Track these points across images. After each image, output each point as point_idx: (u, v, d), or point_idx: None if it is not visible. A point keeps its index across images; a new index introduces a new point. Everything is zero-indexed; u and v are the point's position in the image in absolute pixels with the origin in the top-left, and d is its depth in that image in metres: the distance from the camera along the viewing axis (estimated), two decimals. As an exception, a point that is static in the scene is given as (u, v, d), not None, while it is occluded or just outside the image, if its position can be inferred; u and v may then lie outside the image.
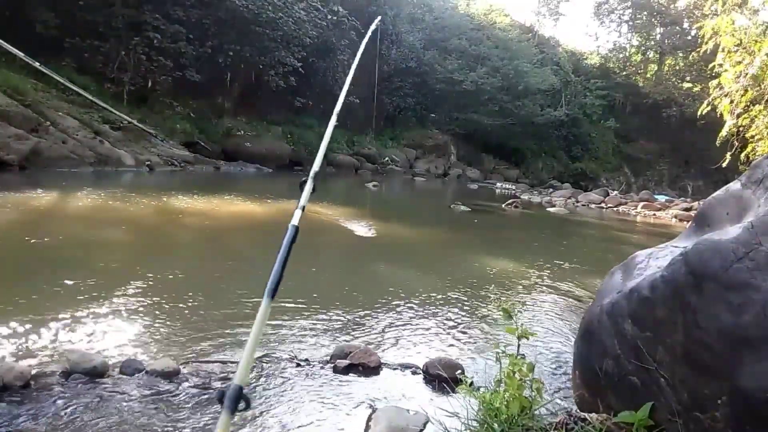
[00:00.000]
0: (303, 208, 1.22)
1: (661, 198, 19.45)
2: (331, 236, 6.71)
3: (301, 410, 2.09)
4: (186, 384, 2.20)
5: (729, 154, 9.00)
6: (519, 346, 1.93)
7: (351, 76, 1.92)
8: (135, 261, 4.28)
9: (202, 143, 15.53)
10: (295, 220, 1.17)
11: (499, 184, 22.77)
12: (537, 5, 39.90)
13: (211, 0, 15.59)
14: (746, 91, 8.12)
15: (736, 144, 9.00)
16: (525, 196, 17.56)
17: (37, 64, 11.69)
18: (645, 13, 37.88)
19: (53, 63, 12.63)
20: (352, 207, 9.38)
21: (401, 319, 3.41)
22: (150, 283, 3.52)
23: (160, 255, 4.62)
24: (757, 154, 8.43)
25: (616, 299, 1.78)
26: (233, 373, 2.34)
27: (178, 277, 3.81)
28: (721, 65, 8.59)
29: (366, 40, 2.12)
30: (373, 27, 2.24)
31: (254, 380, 2.31)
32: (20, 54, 11.46)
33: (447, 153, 27.17)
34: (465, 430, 1.78)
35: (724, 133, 8.61)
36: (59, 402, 1.96)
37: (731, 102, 8.36)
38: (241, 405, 0.84)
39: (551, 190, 21.65)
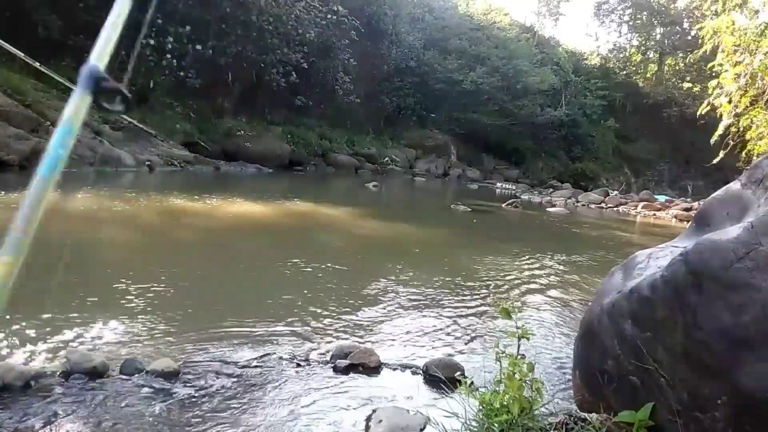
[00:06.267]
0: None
1: (661, 198, 19.44)
2: (330, 236, 6.71)
3: (302, 410, 2.09)
4: (186, 384, 2.20)
5: (723, 152, 9.00)
6: (519, 346, 1.93)
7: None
8: (135, 261, 4.28)
9: (202, 143, 15.52)
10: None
11: (499, 184, 22.76)
12: (537, 5, 39.94)
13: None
14: (746, 91, 8.12)
15: (732, 143, 9.01)
16: (525, 196, 17.56)
17: (37, 64, 11.67)
18: (645, 13, 37.85)
19: (53, 63, 12.62)
20: (352, 207, 9.38)
21: (401, 319, 3.41)
22: (150, 282, 3.52)
23: (160, 255, 4.62)
24: (756, 154, 8.42)
25: (616, 299, 1.78)
26: (232, 371, 2.35)
27: (178, 277, 3.81)
28: (721, 65, 8.60)
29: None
30: None
31: (255, 380, 2.31)
32: (20, 54, 11.44)
33: (447, 153, 27.15)
34: (465, 430, 1.78)
35: (720, 131, 8.62)
36: (59, 402, 1.95)
37: (730, 102, 8.35)
38: (120, 106, 0.64)
39: (551, 190, 21.64)
